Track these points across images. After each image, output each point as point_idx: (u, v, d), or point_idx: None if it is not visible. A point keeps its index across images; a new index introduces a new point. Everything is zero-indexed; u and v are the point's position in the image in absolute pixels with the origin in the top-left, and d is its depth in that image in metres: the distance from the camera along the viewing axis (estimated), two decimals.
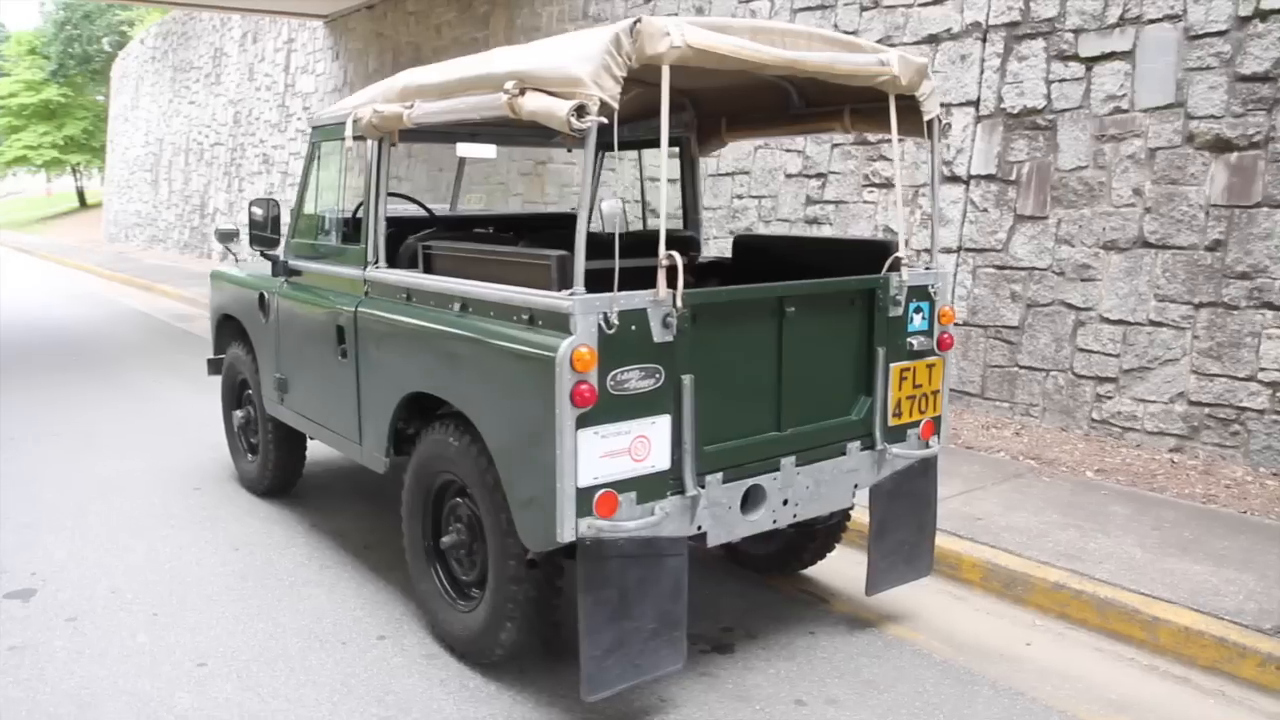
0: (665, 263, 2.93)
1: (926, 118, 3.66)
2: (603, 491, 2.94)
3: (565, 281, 2.99)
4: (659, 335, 3.01)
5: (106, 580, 4.36)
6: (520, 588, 3.29)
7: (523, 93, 2.98)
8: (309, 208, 4.79)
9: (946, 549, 4.36)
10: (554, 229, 4.90)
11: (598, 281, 2.92)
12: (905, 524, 3.88)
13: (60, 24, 38.40)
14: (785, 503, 3.46)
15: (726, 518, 3.30)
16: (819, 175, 7.80)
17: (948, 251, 6.80)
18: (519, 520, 3.12)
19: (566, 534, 2.91)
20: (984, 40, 6.65)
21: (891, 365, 3.66)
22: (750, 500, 3.37)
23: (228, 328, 5.69)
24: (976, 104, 6.62)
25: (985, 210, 6.63)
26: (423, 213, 5.29)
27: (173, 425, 7.13)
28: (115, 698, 3.38)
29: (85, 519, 5.15)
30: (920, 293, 3.73)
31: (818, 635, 3.88)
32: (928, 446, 3.84)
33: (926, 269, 3.81)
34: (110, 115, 30.70)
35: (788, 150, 8.03)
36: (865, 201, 7.43)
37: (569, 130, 2.79)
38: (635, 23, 2.83)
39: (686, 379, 3.08)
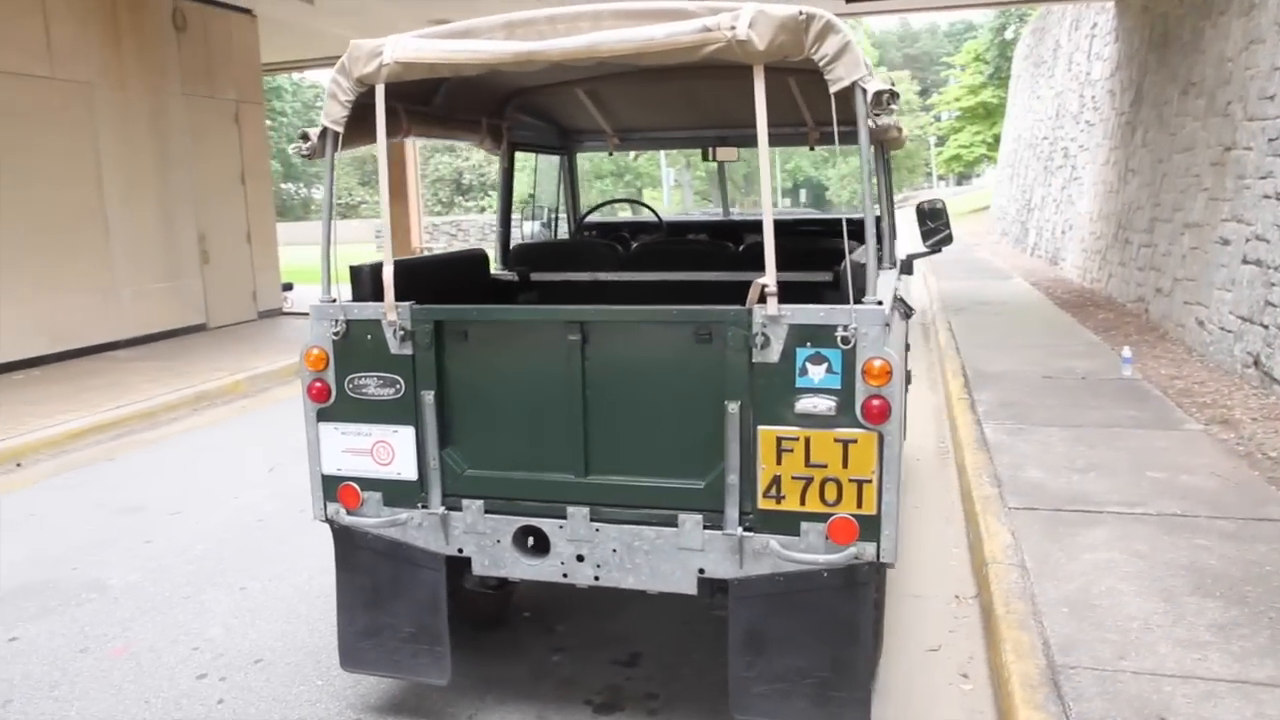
0: (388, 283, 2.98)
1: (834, 87, 2.63)
2: (345, 484, 3.18)
3: (376, 291, 3.22)
4: (395, 347, 3.06)
5: None
6: None
7: None
8: None
9: None
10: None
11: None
12: (804, 651, 2.88)
13: (996, 29, 41.47)
14: (580, 559, 3.02)
15: (494, 551, 3.10)
16: None
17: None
18: None
19: (317, 513, 3.25)
20: None
21: (760, 428, 2.78)
22: (533, 542, 3.07)
23: None
24: None
25: None
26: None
27: None
28: None
29: None
30: (820, 336, 2.70)
31: None
32: (839, 552, 2.76)
33: (828, 308, 2.71)
34: (1006, 114, 32.43)
35: None
36: None
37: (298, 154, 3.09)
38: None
39: (427, 395, 3.05)
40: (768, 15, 2.59)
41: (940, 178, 63.00)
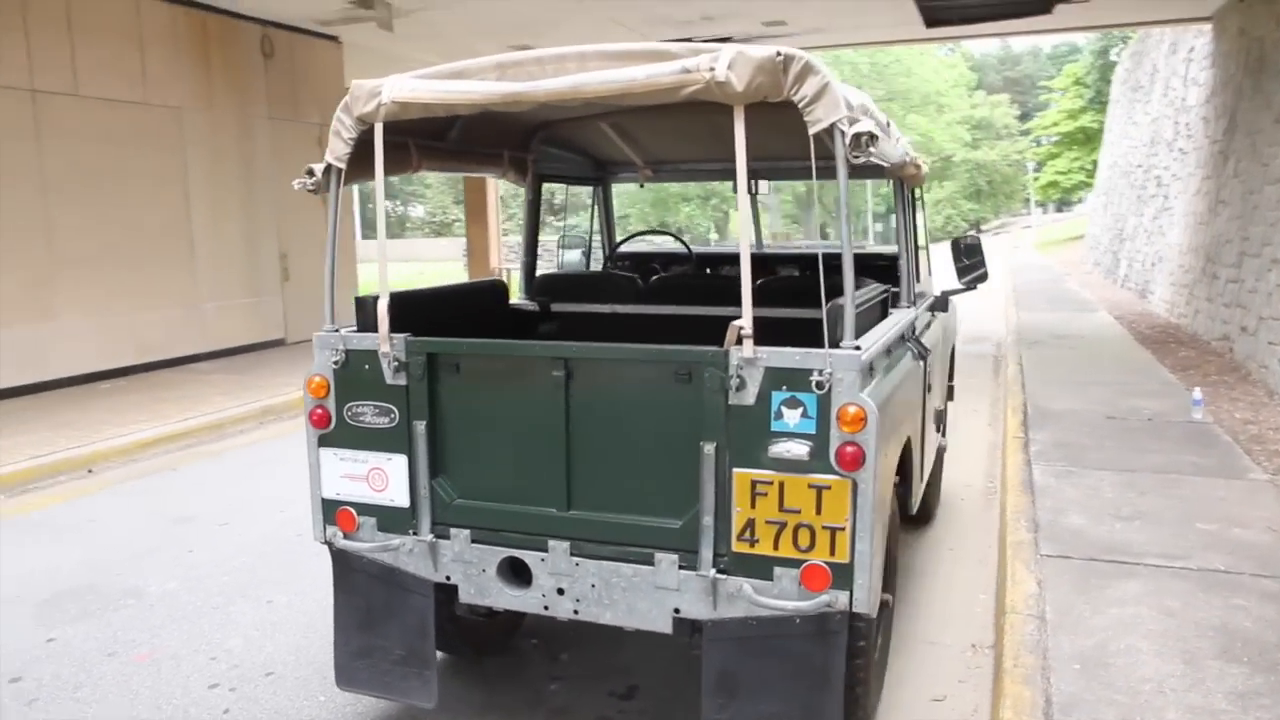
0: (383, 316, 3.08)
1: (813, 129, 2.63)
2: (342, 508, 3.29)
3: (367, 323, 3.30)
4: (390, 378, 3.15)
5: None
6: None
7: None
8: None
9: None
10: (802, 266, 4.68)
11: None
12: (776, 696, 2.85)
13: (1098, 52, 40.25)
14: (561, 592, 3.05)
15: (479, 580, 3.15)
16: None
17: None
18: None
19: (317, 534, 3.36)
20: None
21: (735, 470, 2.77)
22: (516, 573, 3.11)
23: None
24: None
25: None
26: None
27: None
28: None
29: None
30: (795, 380, 2.69)
31: None
32: (811, 600, 2.73)
33: (804, 351, 2.69)
34: (1103, 140, 31.42)
35: None
36: None
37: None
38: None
39: (419, 425, 3.13)
40: (746, 57, 2.61)
41: (1039, 204, 61.26)
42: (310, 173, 3.20)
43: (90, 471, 7.26)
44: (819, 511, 2.70)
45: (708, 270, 5.48)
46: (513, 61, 2.91)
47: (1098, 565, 4.62)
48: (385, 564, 3.26)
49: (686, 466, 2.84)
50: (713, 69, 2.62)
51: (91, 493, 6.75)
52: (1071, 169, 41.17)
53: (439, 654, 3.96)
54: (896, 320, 3.58)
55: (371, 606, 3.33)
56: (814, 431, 2.68)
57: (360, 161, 3.18)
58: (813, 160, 2.66)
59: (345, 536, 3.29)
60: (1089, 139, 41.08)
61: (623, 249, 5.51)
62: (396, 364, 3.14)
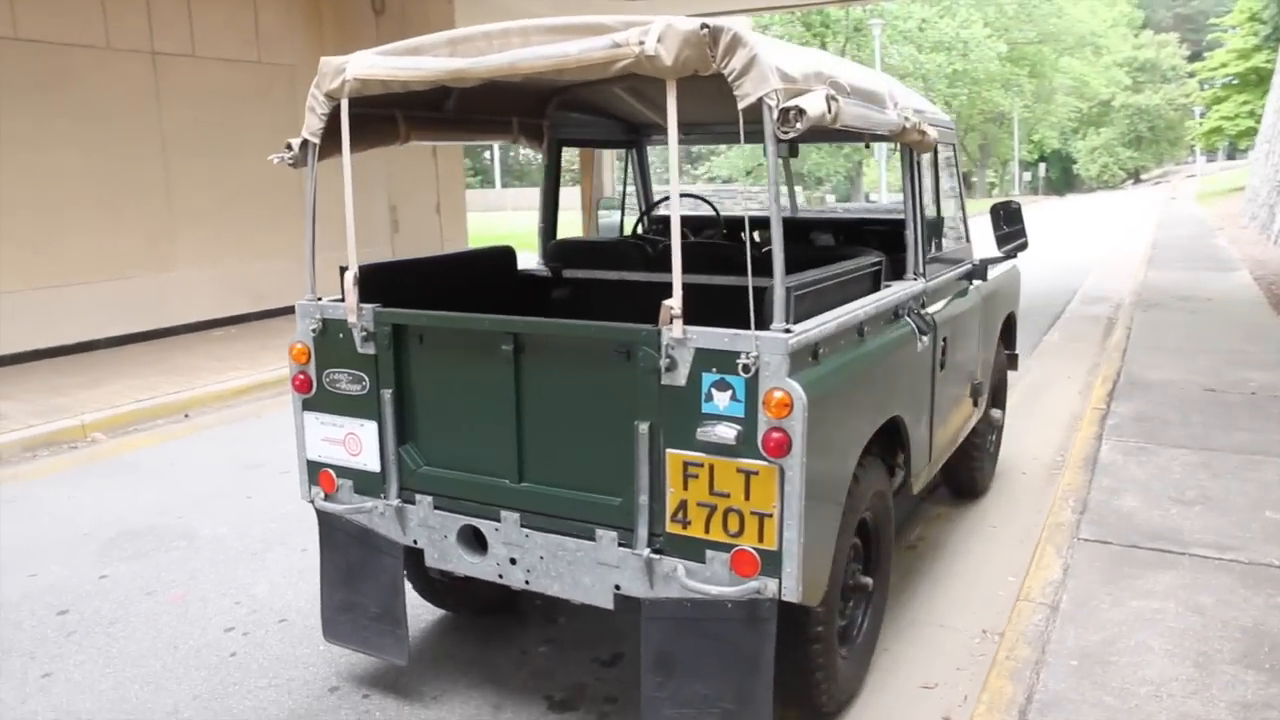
0: (349, 287, 3.16)
1: (742, 103, 2.52)
2: (323, 469, 3.42)
3: (365, 292, 3.40)
4: (361, 347, 3.24)
5: None
6: None
7: None
8: None
9: None
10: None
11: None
12: (710, 679, 2.83)
13: None
14: (514, 562, 3.10)
15: (442, 546, 3.23)
16: None
17: None
18: None
19: (304, 494, 3.51)
20: None
21: (668, 451, 2.74)
22: (474, 541, 3.17)
23: None
24: None
25: None
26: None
27: None
28: None
29: None
30: (724, 362, 2.62)
31: None
32: (741, 585, 2.68)
33: (732, 333, 2.60)
34: (1271, 84, 28.69)
35: None
36: None
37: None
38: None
39: (386, 393, 3.21)
40: (674, 30, 2.51)
41: (1207, 152, 56.68)
42: (289, 147, 3.28)
43: (186, 416, 7.78)
44: (747, 497, 2.63)
45: (745, 234, 5.33)
46: (464, 37, 2.90)
47: (1137, 553, 4.34)
48: (361, 525, 3.38)
49: (625, 444, 2.81)
50: (642, 43, 2.54)
51: (181, 437, 7.24)
52: (1239, 114, 37.90)
53: (442, 611, 4.12)
54: (883, 295, 3.41)
55: (350, 565, 3.47)
56: (742, 415, 2.61)
57: (334, 136, 3.24)
58: (742, 133, 2.55)
59: (325, 498, 3.42)
60: (1261, 81, 37.68)
61: (660, 213, 5.43)
62: (365, 334, 3.22)
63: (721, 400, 2.63)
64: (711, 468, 2.67)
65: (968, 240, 4.64)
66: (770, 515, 2.61)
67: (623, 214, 5.31)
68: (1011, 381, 6.20)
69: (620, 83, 4.24)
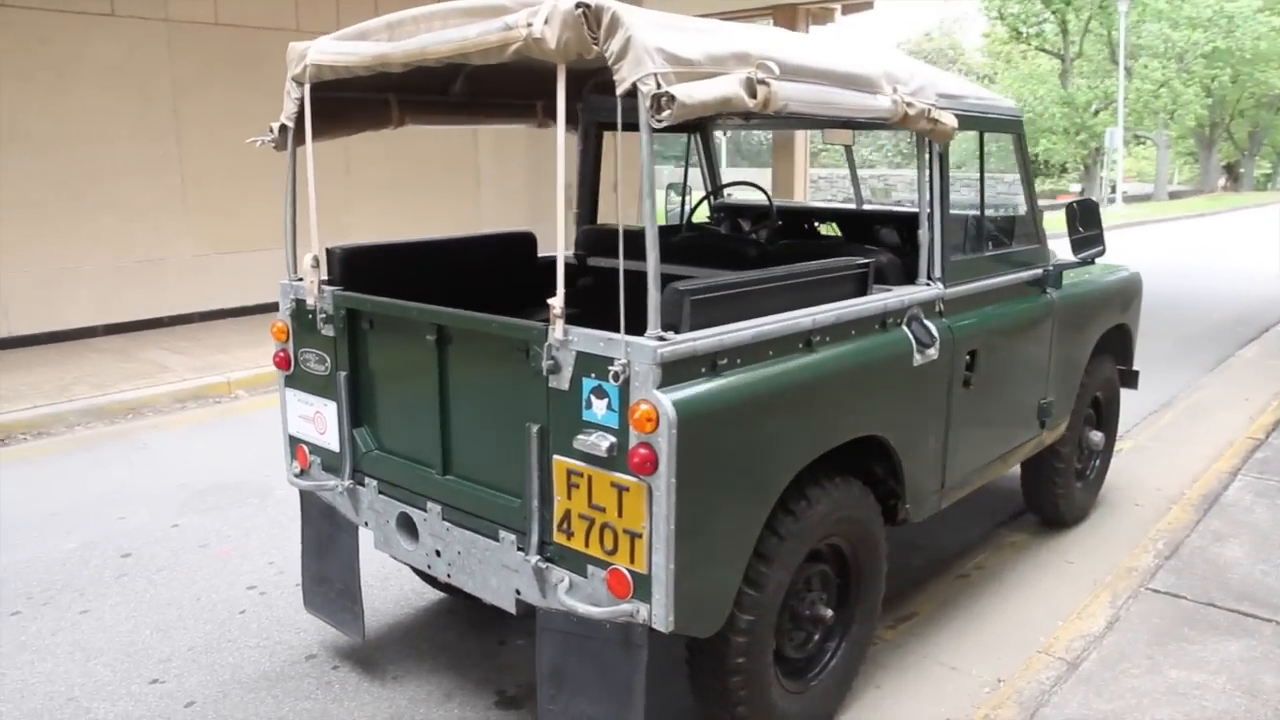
0: (312, 265, 3.23)
1: (619, 89, 2.35)
2: (299, 445, 3.54)
3: (342, 274, 3.48)
4: (322, 328, 3.31)
5: None
6: None
7: None
8: None
9: None
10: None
11: None
12: (592, 698, 2.70)
13: None
14: (439, 554, 3.08)
15: (385, 530, 3.27)
16: None
17: None
18: None
19: (286, 467, 3.65)
20: None
21: (554, 457, 2.63)
22: (409, 528, 3.18)
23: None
24: None
25: None
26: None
27: None
28: None
29: None
30: (600, 367, 2.47)
31: None
32: (615, 606, 2.54)
33: (608, 337, 2.43)
34: None
35: None
36: None
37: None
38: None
39: (341, 375, 3.27)
40: (557, 11, 2.36)
41: None
42: (270, 130, 3.38)
43: None
44: (620, 514, 2.46)
45: (805, 226, 5.00)
46: (399, 20, 2.86)
47: (1209, 612, 3.75)
48: (326, 502, 3.48)
49: (515, 442, 2.71)
50: (530, 24, 2.40)
51: None
52: None
53: (443, 594, 4.18)
54: (855, 303, 3.06)
55: (320, 539, 3.57)
56: (616, 426, 2.44)
57: (323, 119, 3.29)
58: (618, 119, 2.37)
59: (300, 473, 3.54)
60: None
61: (725, 201, 5.19)
62: (324, 315, 3.28)
63: (599, 408, 2.47)
64: (590, 478, 2.52)
65: (1040, 242, 4.11)
66: (640, 535, 2.43)
67: (684, 200, 5.12)
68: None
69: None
